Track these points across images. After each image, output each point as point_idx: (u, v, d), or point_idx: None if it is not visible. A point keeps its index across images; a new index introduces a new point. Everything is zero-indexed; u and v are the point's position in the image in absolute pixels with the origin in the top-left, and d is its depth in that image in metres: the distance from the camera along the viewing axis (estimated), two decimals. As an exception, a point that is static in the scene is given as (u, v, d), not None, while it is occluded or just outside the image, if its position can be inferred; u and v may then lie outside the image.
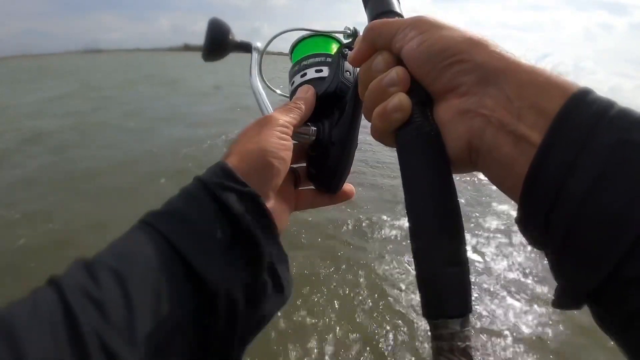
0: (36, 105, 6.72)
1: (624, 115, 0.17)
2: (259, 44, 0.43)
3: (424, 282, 0.21)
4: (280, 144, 0.30)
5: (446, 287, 0.20)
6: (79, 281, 0.21)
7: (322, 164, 0.35)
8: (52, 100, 7.26)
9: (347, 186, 0.38)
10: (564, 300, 0.19)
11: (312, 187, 0.38)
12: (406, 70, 0.24)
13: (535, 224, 0.19)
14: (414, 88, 0.24)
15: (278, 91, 0.44)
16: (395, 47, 0.25)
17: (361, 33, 0.28)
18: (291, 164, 0.32)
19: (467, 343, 0.19)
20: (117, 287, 0.21)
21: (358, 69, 0.28)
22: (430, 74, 0.23)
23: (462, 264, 0.21)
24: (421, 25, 0.24)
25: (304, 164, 0.38)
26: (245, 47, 0.43)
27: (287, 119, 0.32)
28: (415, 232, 0.22)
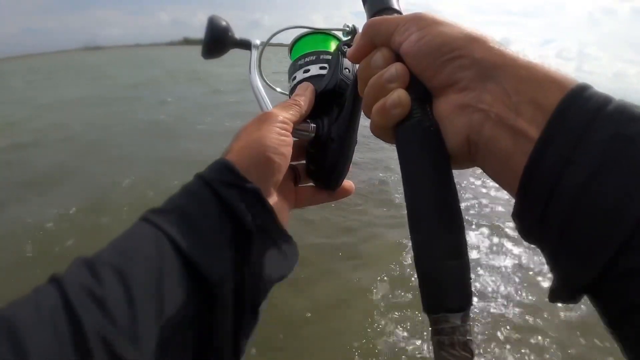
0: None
1: (621, 111, 0.17)
2: (258, 42, 0.43)
3: (424, 276, 0.21)
4: (280, 139, 0.30)
5: (446, 281, 0.20)
6: (81, 279, 0.21)
7: (322, 160, 0.36)
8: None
9: (347, 182, 0.38)
10: (560, 294, 0.19)
11: (312, 184, 0.38)
12: (405, 67, 0.24)
13: (531, 218, 0.19)
14: (413, 84, 0.24)
15: (278, 89, 0.44)
16: (394, 44, 0.25)
17: (360, 30, 0.28)
18: (291, 161, 0.32)
19: (468, 337, 0.19)
20: (119, 285, 0.21)
21: (357, 65, 0.29)
22: (429, 70, 0.23)
23: (462, 257, 0.21)
24: (420, 21, 0.24)
25: (304, 162, 0.38)
26: (245, 45, 0.43)
27: (286, 116, 0.32)
28: (415, 226, 0.22)
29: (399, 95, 0.24)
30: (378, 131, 0.26)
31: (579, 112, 0.18)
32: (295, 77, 0.38)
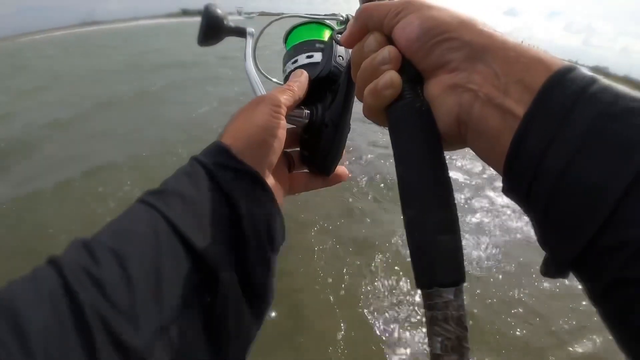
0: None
1: (605, 91, 0.18)
2: (253, 30, 0.44)
3: (417, 251, 0.21)
4: (275, 122, 0.30)
5: (439, 256, 0.20)
6: (78, 260, 0.21)
7: (315, 146, 0.36)
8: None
9: (340, 168, 0.38)
10: (550, 269, 0.19)
11: (306, 170, 0.38)
12: (397, 49, 0.25)
13: (518, 196, 0.20)
14: (404, 66, 0.25)
15: (274, 79, 0.44)
16: (386, 28, 0.25)
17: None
18: (285, 148, 0.32)
19: (461, 312, 0.19)
20: (116, 267, 0.21)
21: (350, 52, 0.29)
22: (420, 52, 0.24)
23: (454, 232, 0.21)
24: (411, 5, 0.24)
25: (298, 149, 0.38)
26: (240, 32, 0.44)
27: (280, 99, 0.32)
28: (407, 202, 0.22)
29: (391, 76, 0.24)
30: (370, 113, 0.26)
31: (564, 91, 0.18)
32: (289, 65, 0.38)
